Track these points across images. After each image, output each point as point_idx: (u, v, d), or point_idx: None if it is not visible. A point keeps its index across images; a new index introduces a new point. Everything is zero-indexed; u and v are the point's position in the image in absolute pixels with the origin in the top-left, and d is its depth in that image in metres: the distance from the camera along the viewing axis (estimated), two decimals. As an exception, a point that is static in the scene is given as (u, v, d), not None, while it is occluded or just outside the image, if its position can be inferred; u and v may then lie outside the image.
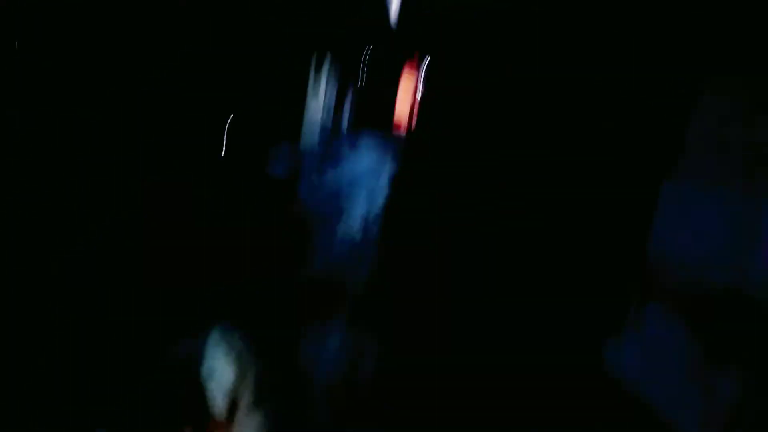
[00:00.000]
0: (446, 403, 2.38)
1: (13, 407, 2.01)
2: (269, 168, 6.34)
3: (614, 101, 2.10)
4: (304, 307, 2.88)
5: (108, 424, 2.05)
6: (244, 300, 3.50)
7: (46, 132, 3.14)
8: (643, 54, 2.02)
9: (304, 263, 3.56)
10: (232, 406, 2.14)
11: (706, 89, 1.71)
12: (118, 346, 2.61)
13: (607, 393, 1.89)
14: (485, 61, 2.57)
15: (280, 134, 7.66)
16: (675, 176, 1.79)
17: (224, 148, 5.46)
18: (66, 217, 3.26)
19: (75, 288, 3.06)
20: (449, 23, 2.65)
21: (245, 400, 2.15)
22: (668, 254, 1.67)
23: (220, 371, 2.19)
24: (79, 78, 3.27)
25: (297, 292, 3.06)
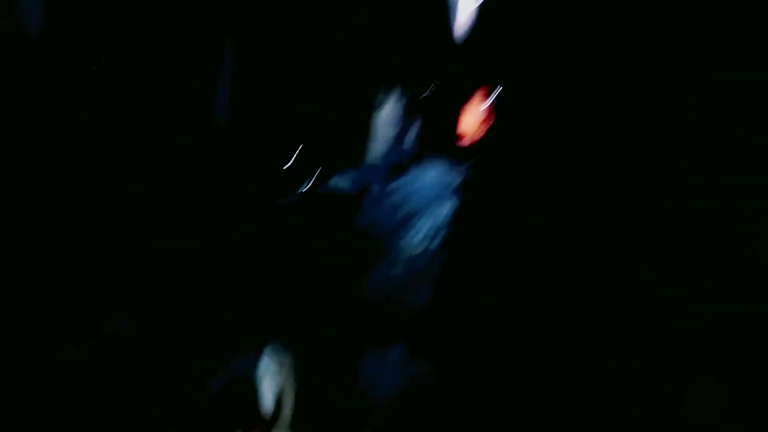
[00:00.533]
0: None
1: (13, 407, 2.02)
2: (333, 181, 6.10)
3: (614, 101, 2.11)
4: (363, 323, 2.82)
5: (108, 424, 2.05)
6: (243, 301, 3.50)
7: (46, 132, 3.15)
8: (643, 54, 2.02)
9: (365, 280, 3.46)
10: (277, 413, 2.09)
11: None
12: (118, 346, 2.62)
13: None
14: (487, 60, 2.57)
15: (345, 147, 7.47)
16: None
17: (293, 159, 5.44)
18: (66, 217, 3.27)
19: (75, 288, 3.07)
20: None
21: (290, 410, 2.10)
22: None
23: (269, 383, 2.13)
24: (78, 78, 3.28)
25: (355, 308, 2.98)
